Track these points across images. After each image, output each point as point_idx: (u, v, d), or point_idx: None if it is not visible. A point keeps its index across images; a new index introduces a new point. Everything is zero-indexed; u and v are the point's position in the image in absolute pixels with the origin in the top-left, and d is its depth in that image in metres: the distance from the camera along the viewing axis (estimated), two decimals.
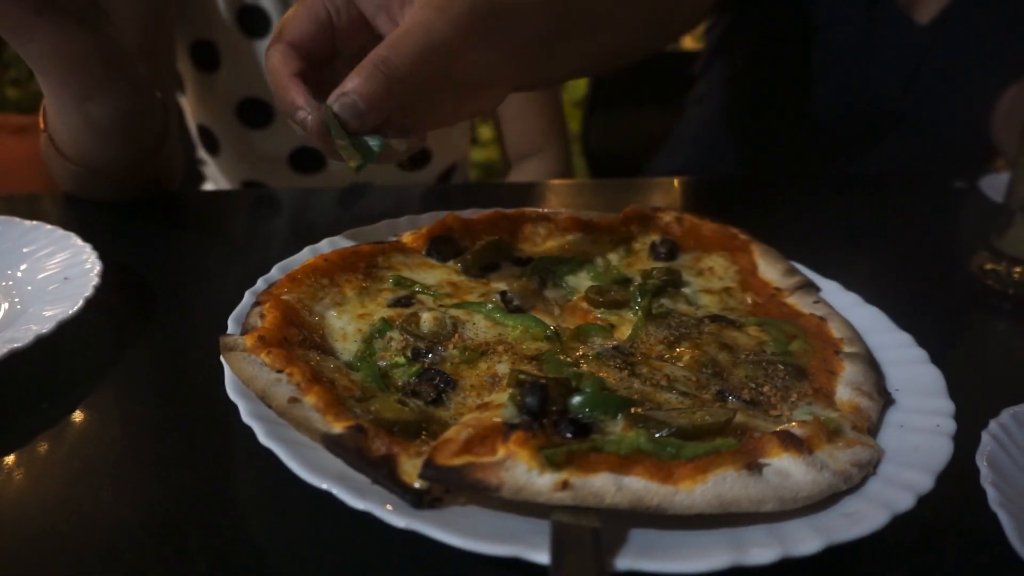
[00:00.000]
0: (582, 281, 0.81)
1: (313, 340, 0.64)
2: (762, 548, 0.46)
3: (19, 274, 0.82)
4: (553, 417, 0.54)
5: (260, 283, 0.71)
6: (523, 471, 0.47)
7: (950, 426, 0.58)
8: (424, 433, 0.55)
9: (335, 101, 0.65)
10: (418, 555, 0.51)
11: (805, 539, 0.47)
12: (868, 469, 0.54)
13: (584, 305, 0.76)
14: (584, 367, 0.64)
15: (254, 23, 1.30)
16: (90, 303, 0.72)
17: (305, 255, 0.77)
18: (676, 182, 1.46)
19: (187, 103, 1.44)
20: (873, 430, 0.59)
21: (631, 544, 0.47)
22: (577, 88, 3.04)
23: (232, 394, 0.56)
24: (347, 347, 0.65)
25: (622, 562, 0.45)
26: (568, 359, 0.65)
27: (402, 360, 0.64)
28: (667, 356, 0.67)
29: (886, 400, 0.63)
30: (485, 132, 3.56)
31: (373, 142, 0.68)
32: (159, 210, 1.07)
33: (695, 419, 0.54)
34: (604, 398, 0.56)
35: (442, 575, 0.50)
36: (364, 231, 0.84)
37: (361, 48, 0.70)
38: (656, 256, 0.86)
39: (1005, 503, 0.51)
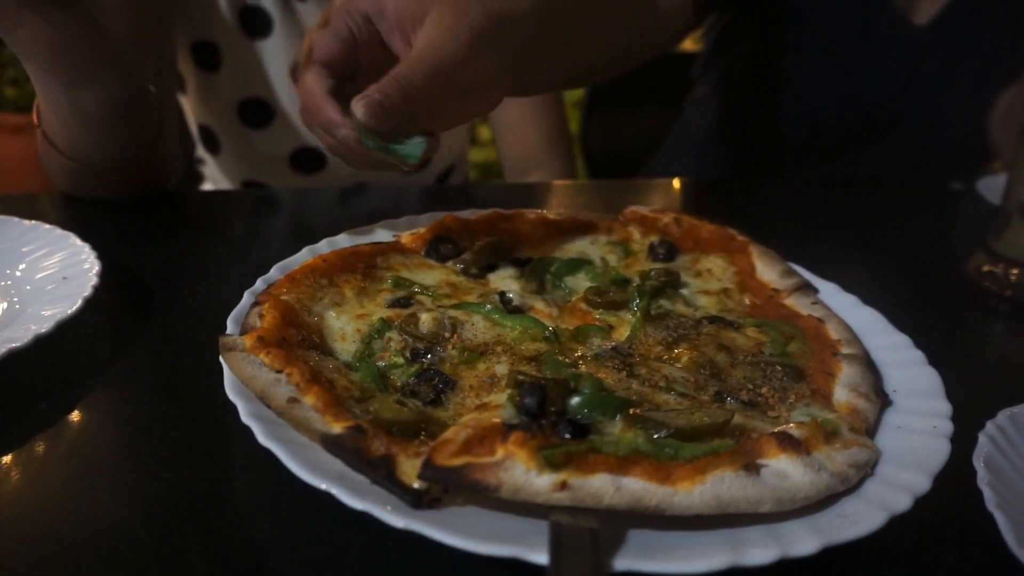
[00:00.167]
0: (581, 282, 0.81)
1: (312, 340, 0.64)
2: (760, 549, 0.46)
3: (18, 274, 0.82)
4: (552, 418, 0.54)
5: (259, 283, 0.71)
6: (522, 471, 0.47)
7: (947, 427, 0.58)
8: (423, 433, 0.55)
9: (358, 103, 0.69)
10: (417, 555, 0.51)
11: (803, 540, 0.47)
12: (865, 470, 0.54)
13: (583, 306, 0.76)
14: (583, 368, 0.64)
15: (255, 24, 1.30)
16: (89, 303, 0.72)
17: (304, 255, 0.77)
18: (675, 183, 1.46)
19: (188, 102, 1.44)
20: (871, 431, 0.60)
21: (629, 544, 0.47)
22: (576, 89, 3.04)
23: (231, 394, 0.57)
24: (346, 347, 0.65)
25: (620, 563, 0.45)
26: (567, 360, 0.65)
27: (401, 360, 0.64)
28: (665, 357, 0.68)
29: (884, 401, 0.63)
30: (484, 132, 3.56)
31: (404, 148, 0.73)
32: (158, 210, 1.07)
33: (693, 420, 0.55)
34: (603, 399, 0.57)
35: (441, 575, 0.50)
36: (363, 231, 0.84)
37: (374, 63, 0.77)
38: (655, 257, 0.86)
39: (1002, 504, 0.51)
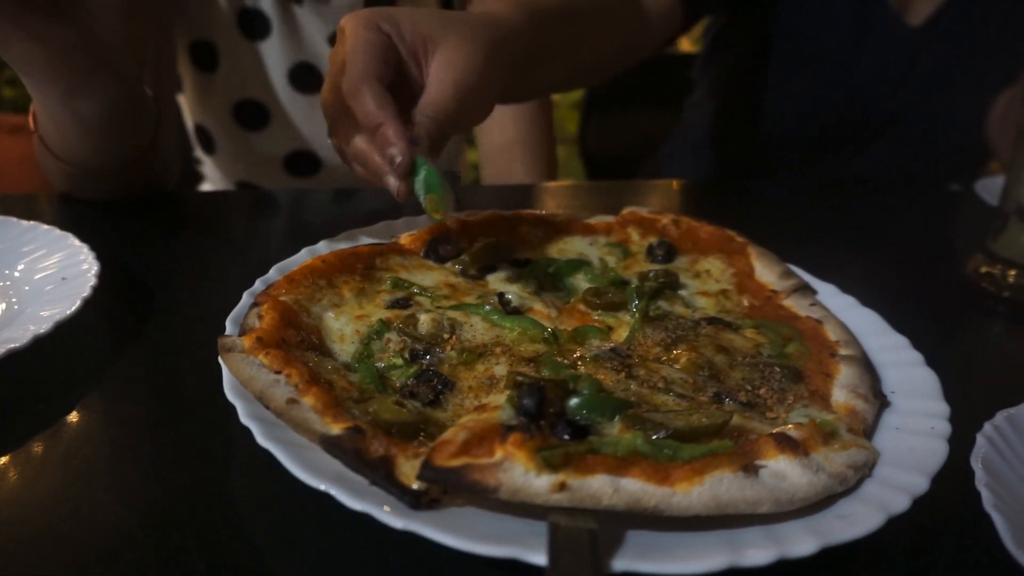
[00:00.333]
0: (580, 283, 0.81)
1: (311, 341, 0.64)
2: (758, 549, 0.46)
3: (16, 274, 0.82)
4: (550, 419, 0.54)
5: (258, 284, 0.71)
6: (520, 472, 0.48)
7: (945, 428, 0.58)
8: (422, 434, 0.55)
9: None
10: (416, 556, 0.51)
11: (801, 540, 0.47)
12: (863, 471, 0.54)
13: (581, 307, 0.76)
14: (581, 369, 0.64)
15: (254, 25, 1.30)
16: (88, 303, 0.72)
17: (303, 256, 0.77)
18: (673, 184, 1.46)
19: (185, 102, 1.44)
20: (869, 432, 0.60)
21: (628, 545, 0.47)
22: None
23: (230, 395, 0.57)
24: (345, 348, 0.65)
25: (619, 563, 0.45)
26: (565, 361, 0.65)
27: (400, 361, 0.64)
28: (664, 358, 0.68)
29: (882, 402, 0.63)
30: None
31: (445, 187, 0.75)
32: (157, 210, 1.07)
33: (692, 421, 0.55)
34: (601, 400, 0.57)
35: None
36: (362, 232, 0.84)
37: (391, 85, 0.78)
38: (653, 258, 0.86)
39: (999, 505, 0.51)
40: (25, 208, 1.01)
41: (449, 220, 0.81)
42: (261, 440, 0.52)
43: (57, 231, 0.85)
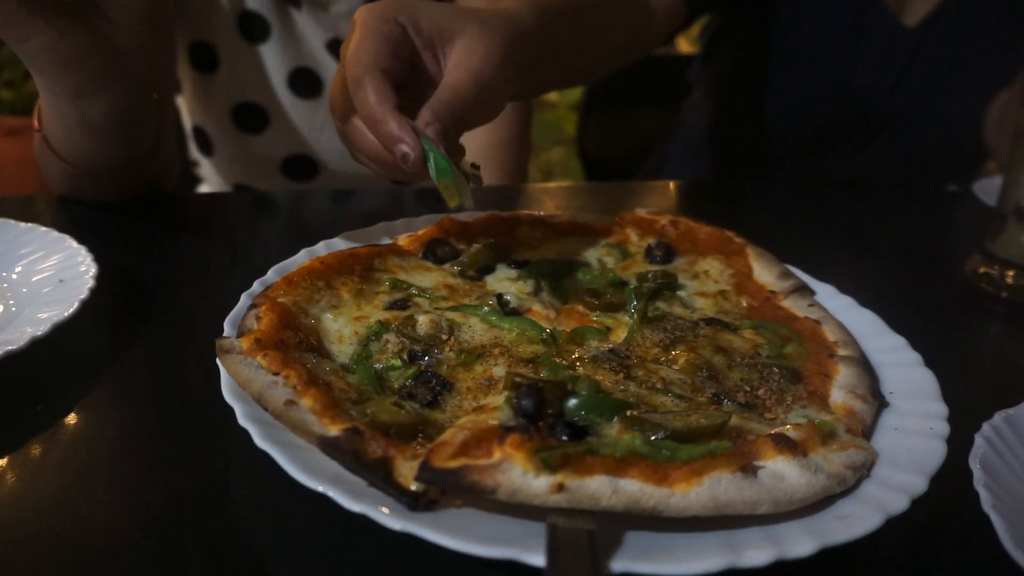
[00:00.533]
0: (578, 284, 0.81)
1: (309, 343, 0.64)
2: (757, 550, 0.46)
3: (14, 276, 0.82)
4: (549, 420, 0.54)
5: (256, 285, 0.71)
6: (519, 473, 0.47)
7: (943, 429, 0.58)
8: (420, 435, 0.55)
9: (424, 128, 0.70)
10: (414, 557, 0.51)
11: (799, 541, 0.47)
12: (862, 471, 0.54)
13: (580, 308, 0.76)
14: (580, 370, 0.64)
15: (254, 28, 1.30)
16: (85, 305, 0.72)
17: (301, 257, 0.77)
18: (672, 185, 1.46)
19: (183, 103, 1.44)
20: (867, 433, 0.60)
21: (626, 546, 0.47)
22: (573, 91, 3.04)
23: (228, 396, 0.56)
24: (343, 350, 0.65)
25: (617, 564, 0.45)
26: (564, 362, 0.65)
27: (398, 363, 0.64)
28: (663, 359, 0.68)
29: (880, 403, 0.63)
30: None
31: (459, 176, 0.73)
32: (155, 212, 1.07)
33: (690, 422, 0.55)
34: (600, 401, 0.57)
35: None
36: (360, 233, 0.84)
37: (405, 79, 0.76)
38: (652, 259, 0.86)
39: (997, 505, 0.51)
40: (23, 210, 1.01)
41: (468, 205, 0.75)
42: (259, 442, 0.52)
43: (55, 233, 0.85)
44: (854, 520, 0.49)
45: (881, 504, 0.50)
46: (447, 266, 0.80)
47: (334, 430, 0.52)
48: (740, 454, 0.52)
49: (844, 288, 0.81)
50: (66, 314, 0.69)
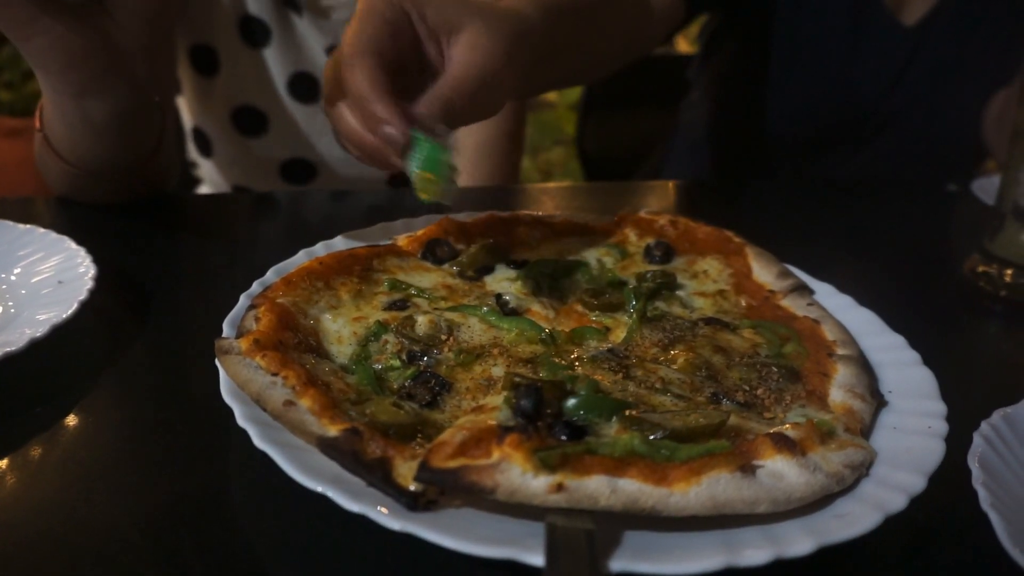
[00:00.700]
0: (577, 284, 0.81)
1: (308, 343, 0.64)
2: (755, 549, 0.46)
3: (13, 278, 0.82)
4: (548, 420, 0.54)
5: (255, 286, 0.71)
6: (518, 473, 0.48)
7: (942, 428, 0.58)
8: (419, 436, 0.55)
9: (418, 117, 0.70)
10: (413, 557, 0.51)
11: (798, 540, 0.47)
12: (861, 470, 0.54)
13: (579, 308, 0.76)
14: (579, 370, 0.64)
15: (255, 33, 1.30)
16: (84, 306, 0.72)
17: (300, 258, 0.77)
18: (671, 185, 1.46)
19: (183, 103, 1.44)
20: (866, 432, 0.60)
21: (625, 546, 0.47)
22: (572, 92, 3.05)
23: (227, 397, 0.57)
24: (342, 350, 0.65)
25: (616, 564, 0.45)
26: (563, 362, 0.65)
27: (397, 363, 0.64)
28: (662, 359, 0.68)
29: (879, 402, 0.63)
30: None
31: (445, 156, 0.71)
32: (154, 213, 1.07)
33: (689, 421, 0.55)
34: (599, 401, 0.57)
35: None
36: (359, 234, 0.84)
37: (405, 65, 0.76)
38: (651, 259, 0.86)
39: (996, 504, 0.51)
40: (22, 211, 1.01)
41: (446, 203, 0.73)
42: (258, 442, 0.52)
43: (54, 234, 0.85)
44: (853, 519, 0.49)
45: (880, 503, 0.51)
46: (446, 266, 0.80)
47: (333, 430, 0.52)
48: (739, 453, 0.52)
49: (843, 287, 0.81)
50: (65, 315, 0.69)
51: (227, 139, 1.39)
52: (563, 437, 0.52)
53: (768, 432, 0.55)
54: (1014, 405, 0.62)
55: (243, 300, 0.69)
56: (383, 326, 0.67)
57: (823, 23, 1.46)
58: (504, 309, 0.73)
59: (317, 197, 1.27)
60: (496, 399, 0.57)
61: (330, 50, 1.32)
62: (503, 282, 0.78)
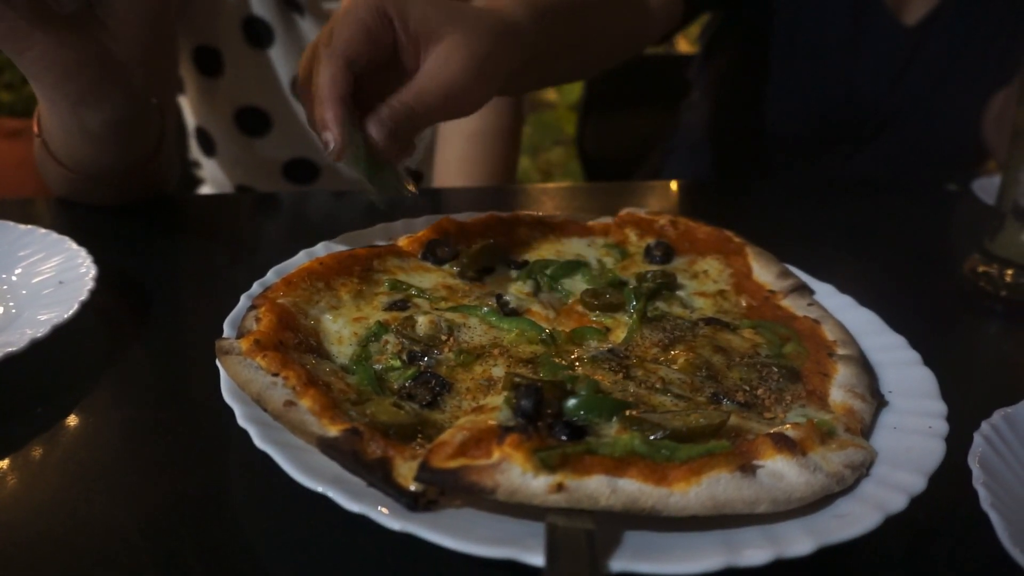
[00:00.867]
0: (577, 284, 0.81)
1: (309, 344, 0.64)
2: (755, 549, 0.46)
3: (13, 278, 0.82)
4: (548, 420, 0.54)
5: (256, 287, 0.71)
6: (518, 473, 0.48)
7: (942, 428, 0.58)
8: (420, 436, 0.55)
9: (373, 125, 0.72)
10: (413, 557, 0.51)
11: (798, 540, 0.47)
12: (861, 470, 0.54)
13: (579, 308, 0.76)
14: (579, 370, 0.64)
15: (259, 34, 1.30)
16: (85, 307, 0.72)
17: (300, 259, 0.77)
18: (671, 185, 1.46)
19: (186, 103, 1.44)
20: (866, 432, 0.60)
21: (625, 546, 0.47)
22: (572, 92, 3.05)
23: (228, 398, 0.57)
24: (343, 350, 0.65)
25: (616, 564, 0.45)
26: (563, 362, 0.65)
27: (398, 363, 0.64)
28: (662, 359, 0.68)
29: (879, 402, 0.63)
30: None
31: (389, 175, 0.76)
32: (155, 214, 1.07)
33: (689, 421, 0.55)
34: (599, 401, 0.57)
35: None
36: (360, 234, 0.84)
37: (379, 68, 0.77)
38: (651, 259, 0.87)
39: (996, 504, 0.51)
40: (22, 212, 1.01)
41: (381, 206, 0.79)
42: (259, 442, 0.52)
43: (55, 235, 0.85)
44: (853, 519, 0.49)
45: (880, 503, 0.51)
46: (446, 267, 0.80)
47: (333, 431, 0.52)
48: (739, 453, 0.52)
49: (843, 287, 0.81)
50: (66, 316, 0.69)
51: (230, 139, 1.39)
52: (563, 437, 0.52)
53: (768, 432, 0.55)
54: (1014, 405, 0.62)
55: (243, 300, 0.69)
56: (383, 326, 0.67)
57: (823, 23, 1.47)
58: (504, 309, 0.73)
59: (318, 197, 1.27)
60: (496, 399, 0.57)
61: None
62: (503, 282, 0.79)
